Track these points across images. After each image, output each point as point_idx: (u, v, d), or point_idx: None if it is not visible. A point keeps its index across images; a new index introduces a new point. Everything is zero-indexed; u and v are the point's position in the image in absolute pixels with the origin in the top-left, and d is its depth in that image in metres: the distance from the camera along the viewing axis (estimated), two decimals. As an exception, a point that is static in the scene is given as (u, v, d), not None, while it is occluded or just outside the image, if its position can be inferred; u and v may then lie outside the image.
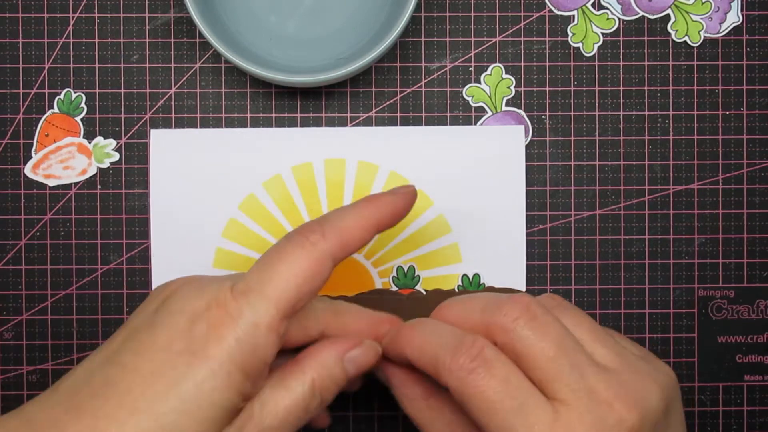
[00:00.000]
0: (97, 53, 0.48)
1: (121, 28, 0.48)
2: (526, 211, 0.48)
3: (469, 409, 0.35)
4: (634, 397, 0.34)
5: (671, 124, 0.48)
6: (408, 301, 0.47)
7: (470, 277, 0.47)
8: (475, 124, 0.48)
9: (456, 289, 0.47)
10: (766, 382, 0.49)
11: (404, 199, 0.39)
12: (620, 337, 0.40)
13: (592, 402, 0.34)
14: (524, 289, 0.47)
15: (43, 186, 0.48)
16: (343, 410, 0.48)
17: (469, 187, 0.47)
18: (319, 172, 0.47)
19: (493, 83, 0.48)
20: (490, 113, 0.48)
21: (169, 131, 0.47)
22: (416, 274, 0.47)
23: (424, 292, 0.47)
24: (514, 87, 0.48)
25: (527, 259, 0.48)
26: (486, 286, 0.47)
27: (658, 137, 0.48)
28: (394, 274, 0.47)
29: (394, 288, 0.47)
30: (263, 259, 0.36)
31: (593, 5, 0.48)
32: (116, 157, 0.48)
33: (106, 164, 0.48)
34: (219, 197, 0.47)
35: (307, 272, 0.35)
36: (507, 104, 0.48)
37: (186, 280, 0.37)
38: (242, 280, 0.35)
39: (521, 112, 0.48)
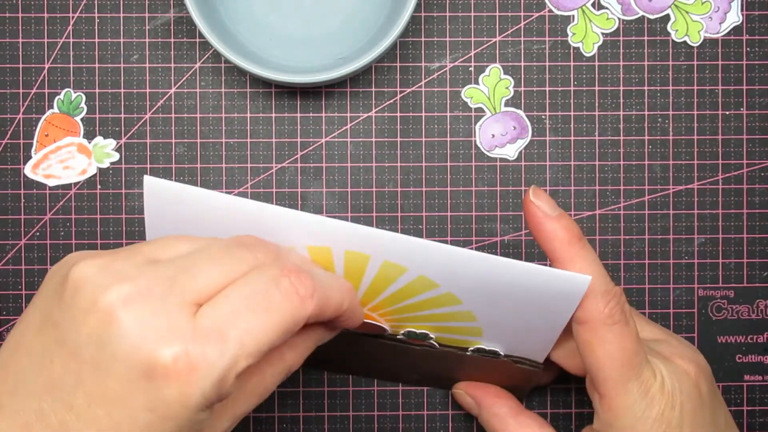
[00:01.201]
0: (97, 53, 0.48)
1: (121, 28, 0.48)
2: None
3: (603, 356, 0.39)
4: (687, 354, 0.40)
5: (671, 124, 0.48)
6: (419, 350, 0.43)
7: (486, 350, 0.43)
8: (475, 124, 0.48)
9: (468, 352, 0.43)
10: (766, 382, 0.49)
11: (359, 321, 0.39)
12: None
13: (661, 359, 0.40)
14: (541, 361, 0.43)
15: (43, 186, 0.48)
16: (343, 411, 0.48)
17: (507, 313, 0.40)
18: (339, 260, 0.38)
19: (492, 84, 0.48)
20: (489, 114, 0.48)
21: (163, 183, 0.37)
22: (429, 336, 0.43)
23: (438, 346, 0.43)
24: (513, 87, 0.48)
25: (526, 259, 0.48)
26: (503, 356, 0.43)
27: (658, 137, 0.48)
28: (404, 332, 0.42)
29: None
30: (245, 298, 0.33)
31: (593, 5, 0.48)
32: (116, 157, 0.48)
33: (106, 164, 0.48)
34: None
35: (286, 329, 0.33)
36: (506, 104, 0.48)
37: (125, 298, 0.32)
38: (220, 314, 0.32)
39: (520, 112, 0.48)
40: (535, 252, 0.48)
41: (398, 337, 0.43)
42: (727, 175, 0.48)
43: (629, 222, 0.48)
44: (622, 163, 0.48)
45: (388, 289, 0.39)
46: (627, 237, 0.48)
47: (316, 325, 0.37)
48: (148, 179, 0.37)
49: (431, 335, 0.42)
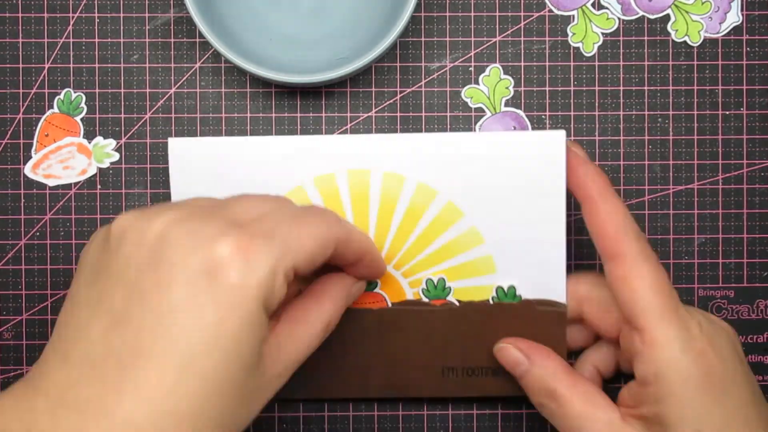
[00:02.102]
0: (97, 53, 0.48)
1: (121, 28, 0.48)
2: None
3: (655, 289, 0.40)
4: (720, 320, 0.42)
5: (671, 124, 0.48)
6: (440, 312, 0.45)
7: (505, 289, 0.45)
8: (475, 124, 0.48)
9: (490, 301, 0.45)
10: (766, 382, 0.49)
11: (383, 269, 0.44)
12: None
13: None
14: (563, 300, 0.45)
15: (43, 186, 0.48)
16: (344, 410, 0.48)
17: (502, 196, 0.45)
18: (343, 183, 0.45)
19: (492, 84, 0.48)
20: (489, 114, 0.48)
21: (186, 140, 0.44)
22: (447, 285, 0.45)
23: (457, 303, 0.46)
24: (513, 87, 0.48)
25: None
26: (523, 298, 0.45)
27: (658, 137, 0.48)
28: (424, 286, 0.46)
29: (425, 299, 0.46)
30: (289, 216, 0.37)
31: (593, 5, 0.48)
32: (116, 157, 0.48)
33: (106, 164, 0.48)
34: None
35: (323, 241, 0.37)
36: (506, 104, 0.48)
37: (172, 220, 0.35)
38: (262, 227, 0.35)
39: (520, 112, 0.48)
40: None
41: (422, 300, 0.45)
42: (727, 175, 0.48)
43: (629, 222, 0.48)
44: (622, 163, 0.48)
45: (397, 210, 0.45)
46: (627, 237, 0.48)
47: (344, 275, 0.41)
48: (172, 140, 0.44)
49: (449, 283, 0.45)
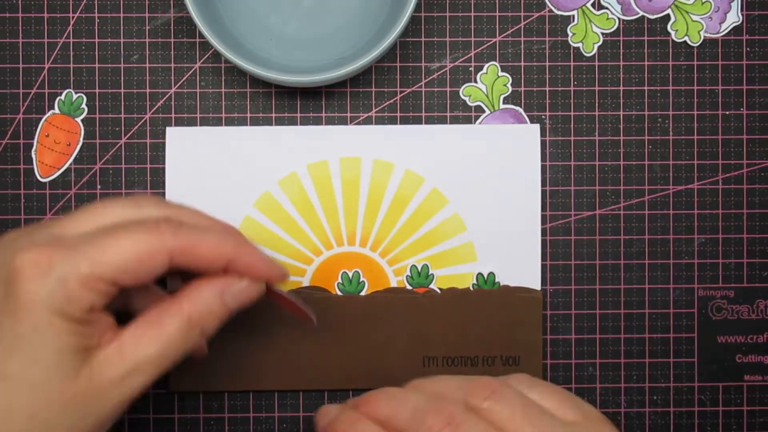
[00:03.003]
0: (97, 53, 0.48)
1: (121, 28, 0.48)
2: (526, 211, 0.48)
3: None
4: None
5: (671, 124, 0.48)
6: (423, 299, 0.47)
7: (485, 276, 0.47)
8: (475, 123, 0.48)
9: (471, 288, 0.47)
10: (766, 382, 0.49)
11: (268, 272, 0.40)
12: (583, 402, 0.43)
13: None
14: (538, 288, 0.47)
15: (43, 186, 0.48)
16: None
17: (484, 185, 0.47)
18: (335, 170, 0.47)
19: (490, 82, 0.48)
20: (488, 112, 0.48)
21: (184, 129, 0.47)
22: (430, 272, 0.47)
23: (439, 291, 0.47)
24: (511, 85, 0.48)
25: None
26: (501, 285, 0.47)
27: (658, 137, 0.48)
28: (408, 273, 0.47)
29: (409, 287, 0.48)
30: (109, 228, 0.37)
31: (593, 5, 0.48)
32: (116, 157, 0.48)
33: (106, 164, 0.48)
34: (234, 195, 0.47)
35: (139, 255, 0.37)
36: (504, 102, 0.48)
37: (4, 236, 0.38)
38: (75, 240, 0.37)
39: (519, 109, 0.48)
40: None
41: (406, 288, 0.47)
42: (727, 175, 0.48)
43: (629, 222, 0.48)
44: (622, 163, 0.48)
45: (385, 197, 0.47)
46: (627, 237, 0.48)
47: (217, 276, 0.40)
48: (170, 129, 0.47)
49: (432, 270, 0.47)
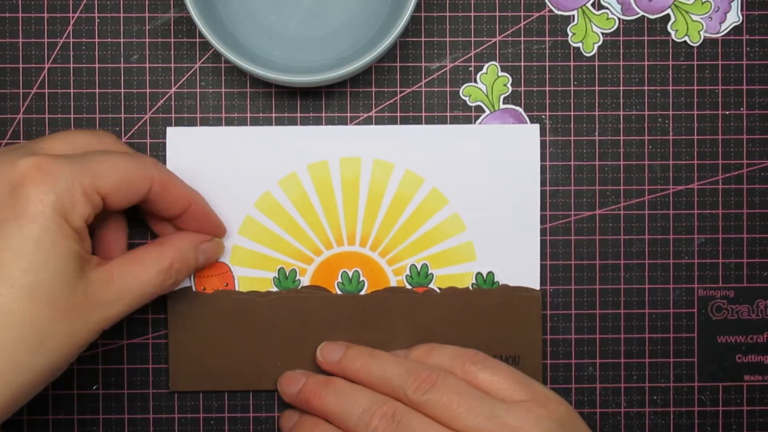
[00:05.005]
0: (97, 53, 0.48)
1: (121, 28, 0.48)
2: (526, 211, 0.48)
3: None
4: (541, 420, 0.41)
5: (671, 124, 0.48)
6: (423, 298, 0.47)
7: (484, 276, 0.48)
8: (475, 123, 0.48)
9: (470, 287, 0.47)
10: (766, 382, 0.49)
11: (218, 222, 0.46)
12: (535, 381, 0.44)
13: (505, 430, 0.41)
14: (537, 288, 0.47)
15: (43, 186, 0.48)
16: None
17: (484, 185, 0.47)
18: (335, 170, 0.47)
19: (489, 82, 0.48)
20: (488, 111, 0.48)
21: (184, 129, 0.47)
22: (429, 272, 0.48)
23: (438, 290, 0.47)
24: (511, 84, 0.48)
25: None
26: (500, 284, 0.47)
27: (658, 137, 0.48)
28: (408, 272, 0.48)
29: (408, 287, 0.48)
30: (100, 150, 0.41)
31: (593, 5, 0.48)
32: (116, 157, 0.48)
33: (106, 164, 0.48)
34: (235, 195, 0.47)
35: (129, 175, 0.40)
36: (504, 102, 0.48)
37: None
38: (68, 155, 0.39)
39: (519, 109, 0.48)
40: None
41: (405, 288, 0.47)
42: (727, 175, 0.48)
43: (629, 222, 0.48)
44: (622, 163, 0.48)
45: (385, 197, 0.47)
46: (627, 237, 0.48)
47: (193, 232, 0.45)
48: (171, 129, 0.47)
49: (431, 270, 0.47)
